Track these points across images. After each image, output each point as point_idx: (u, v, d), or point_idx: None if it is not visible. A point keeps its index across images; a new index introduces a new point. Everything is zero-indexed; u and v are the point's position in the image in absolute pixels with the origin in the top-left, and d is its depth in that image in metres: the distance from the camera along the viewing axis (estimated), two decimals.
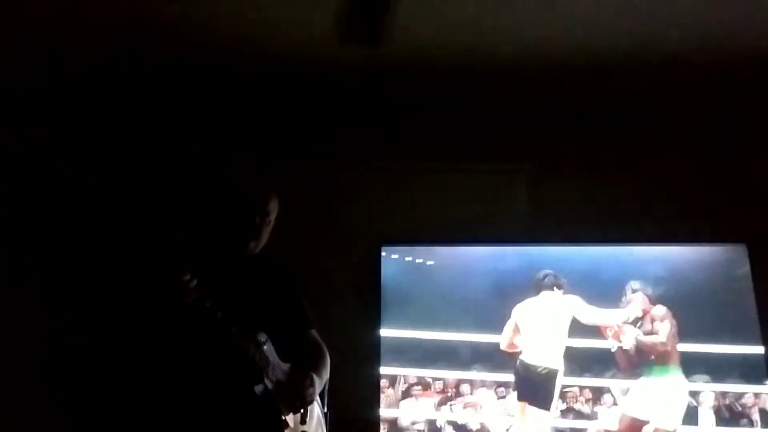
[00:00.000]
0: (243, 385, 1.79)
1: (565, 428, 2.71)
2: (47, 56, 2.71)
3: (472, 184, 3.11)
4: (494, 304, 2.84)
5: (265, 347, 1.83)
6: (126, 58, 2.74)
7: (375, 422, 2.70)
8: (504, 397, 2.76)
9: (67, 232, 2.88)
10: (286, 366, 1.87)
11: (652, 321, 2.80)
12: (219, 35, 2.59)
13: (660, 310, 2.79)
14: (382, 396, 2.74)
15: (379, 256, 2.90)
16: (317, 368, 1.93)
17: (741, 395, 2.71)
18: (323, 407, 2.06)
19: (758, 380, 2.72)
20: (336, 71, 2.85)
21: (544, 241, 2.95)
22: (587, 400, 2.74)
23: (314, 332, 2.06)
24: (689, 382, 2.73)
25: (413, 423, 2.74)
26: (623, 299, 2.83)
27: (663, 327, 2.78)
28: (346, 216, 3.01)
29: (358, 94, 3.01)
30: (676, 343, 2.76)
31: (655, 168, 3.11)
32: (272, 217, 2.01)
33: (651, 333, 2.79)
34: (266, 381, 1.81)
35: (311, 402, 1.87)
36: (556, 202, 3.05)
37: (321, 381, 1.91)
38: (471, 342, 2.81)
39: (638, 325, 2.80)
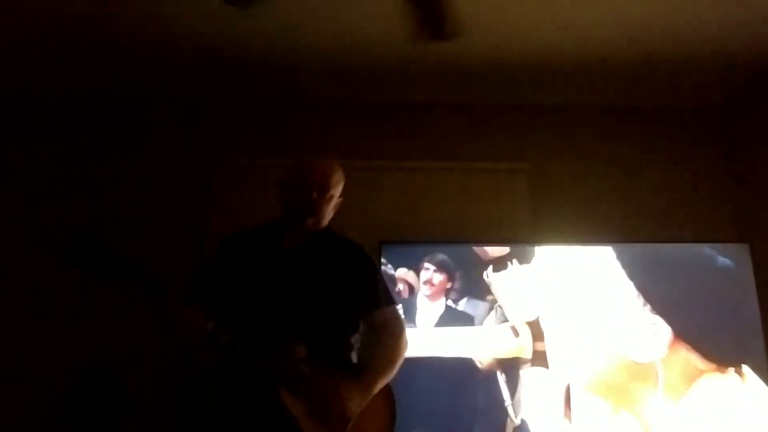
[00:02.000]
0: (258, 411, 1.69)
1: None
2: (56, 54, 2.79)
3: (472, 184, 3.11)
4: None
5: (300, 360, 1.70)
6: (134, 54, 2.80)
7: None
8: None
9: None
10: (321, 379, 1.71)
11: None
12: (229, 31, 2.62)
13: None
14: None
15: (380, 256, 2.92)
16: (369, 373, 1.77)
17: None
18: None
19: None
20: (336, 71, 2.88)
21: (544, 241, 2.95)
22: None
23: (387, 310, 1.88)
24: None
25: None
26: None
27: None
28: (346, 216, 3.03)
29: (357, 92, 3.04)
30: None
31: (656, 167, 3.09)
32: (334, 192, 1.90)
33: None
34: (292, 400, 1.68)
35: (350, 418, 1.69)
36: (556, 202, 3.05)
37: (367, 391, 1.74)
38: None
39: None
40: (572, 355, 2.68)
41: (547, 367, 2.67)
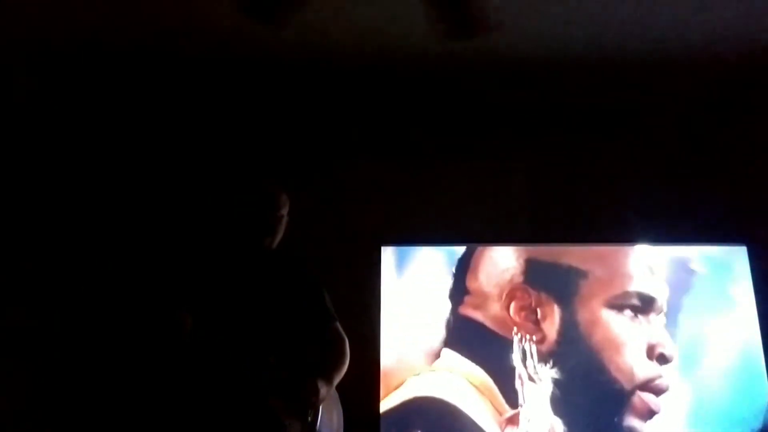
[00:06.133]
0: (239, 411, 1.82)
1: None
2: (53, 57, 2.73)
3: (472, 184, 3.12)
4: None
5: (271, 364, 1.87)
6: (133, 55, 2.75)
7: (375, 421, 2.70)
8: None
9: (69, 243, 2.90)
10: (291, 375, 1.88)
11: None
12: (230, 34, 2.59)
13: None
14: None
15: (379, 256, 2.90)
16: (328, 369, 1.95)
17: None
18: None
19: None
20: (335, 70, 2.85)
21: (544, 241, 2.95)
22: None
23: (336, 325, 2.07)
24: None
25: None
26: None
27: None
28: (346, 216, 3.02)
29: (356, 93, 3.02)
30: None
31: (654, 167, 3.11)
32: (284, 212, 2.06)
33: None
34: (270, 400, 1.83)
35: (316, 407, 1.87)
36: (555, 202, 3.05)
37: (329, 382, 1.93)
38: None
39: None
40: None
41: None
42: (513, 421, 2.66)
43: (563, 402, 2.69)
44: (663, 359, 2.73)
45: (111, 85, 2.91)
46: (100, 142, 3.07)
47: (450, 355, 2.77)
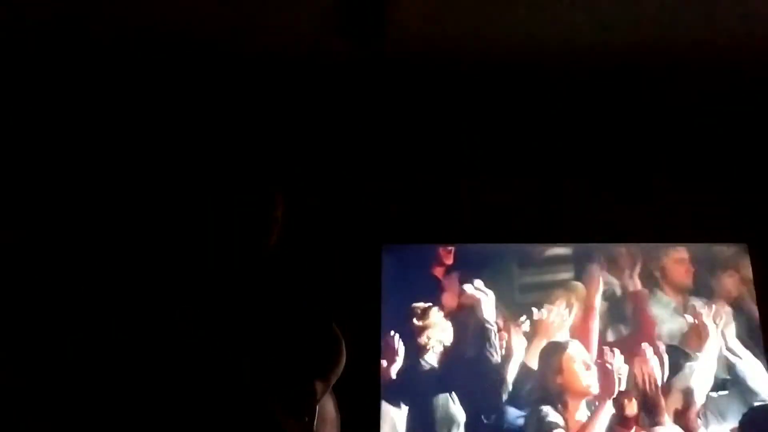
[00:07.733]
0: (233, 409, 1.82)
1: None
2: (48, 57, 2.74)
3: (474, 183, 3.11)
4: None
5: (268, 365, 1.86)
6: (124, 55, 2.75)
7: (375, 421, 2.71)
8: None
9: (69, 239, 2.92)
10: (288, 376, 1.88)
11: None
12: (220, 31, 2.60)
13: None
14: None
15: (380, 256, 2.91)
16: (324, 370, 1.94)
17: None
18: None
19: None
20: (334, 69, 2.85)
21: (544, 241, 2.95)
22: None
23: (332, 326, 2.02)
24: None
25: None
26: None
27: None
28: (346, 216, 3.02)
29: (356, 93, 3.02)
30: None
31: (654, 167, 3.11)
32: (279, 212, 2.03)
33: None
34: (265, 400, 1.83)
35: (313, 408, 1.87)
36: (555, 202, 3.05)
37: (326, 383, 1.92)
38: None
39: None
40: None
41: None
42: None
43: None
44: None
45: (109, 83, 2.93)
46: (100, 142, 3.08)
47: None
